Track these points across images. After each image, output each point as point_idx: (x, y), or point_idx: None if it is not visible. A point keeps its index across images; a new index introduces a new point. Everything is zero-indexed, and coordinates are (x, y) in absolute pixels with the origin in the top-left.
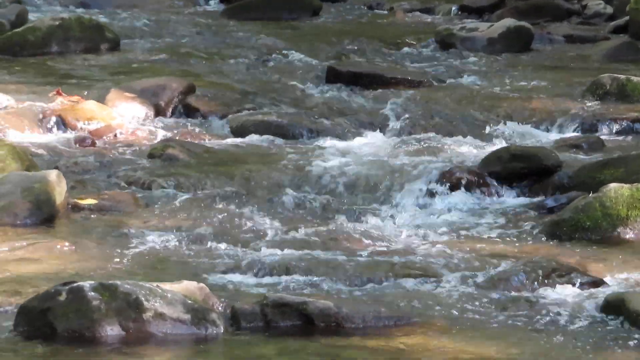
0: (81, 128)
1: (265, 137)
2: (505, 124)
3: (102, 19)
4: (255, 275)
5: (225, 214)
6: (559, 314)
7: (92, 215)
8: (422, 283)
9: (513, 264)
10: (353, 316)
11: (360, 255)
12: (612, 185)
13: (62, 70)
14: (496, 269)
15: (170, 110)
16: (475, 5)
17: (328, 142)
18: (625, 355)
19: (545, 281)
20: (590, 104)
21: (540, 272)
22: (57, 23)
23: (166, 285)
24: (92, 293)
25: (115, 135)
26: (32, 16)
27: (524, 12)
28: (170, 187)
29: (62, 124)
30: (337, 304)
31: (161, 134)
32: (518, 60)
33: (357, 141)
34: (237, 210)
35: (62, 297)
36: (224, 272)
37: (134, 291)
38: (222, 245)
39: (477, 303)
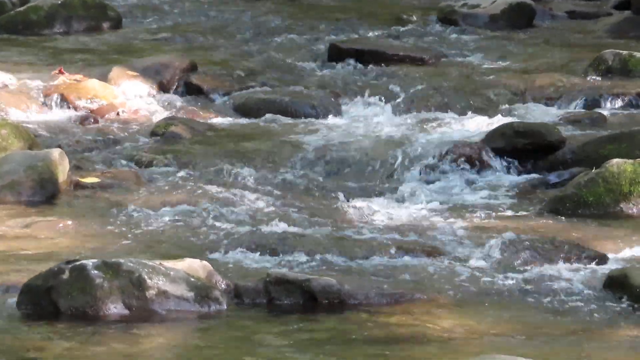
0: (83, 107)
1: (267, 114)
2: (508, 100)
3: None
4: (258, 252)
5: (228, 192)
6: (561, 289)
7: (95, 193)
8: (425, 259)
9: (516, 239)
10: (356, 293)
11: (364, 232)
12: (615, 160)
13: (64, 49)
14: (499, 245)
15: (173, 88)
16: None
17: (331, 120)
18: (628, 330)
19: (548, 257)
20: (592, 80)
21: (543, 247)
22: (59, 2)
23: (169, 263)
24: (95, 271)
25: (117, 114)
26: None
27: None
28: (173, 164)
29: (65, 102)
30: (339, 281)
31: (164, 112)
32: (520, 37)
33: (360, 118)
34: (240, 188)
35: (66, 276)
36: (227, 250)
37: (136, 269)
38: (225, 223)
39: (480, 279)
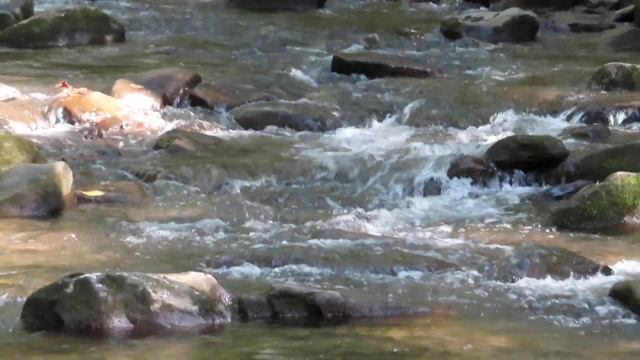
0: (87, 120)
1: (271, 127)
2: (511, 113)
3: (107, 10)
4: (262, 266)
5: (232, 205)
6: (565, 303)
7: (99, 207)
8: (429, 273)
9: (520, 253)
10: (360, 306)
11: (368, 245)
12: (619, 173)
13: (67, 62)
14: (503, 258)
15: (176, 101)
16: None
17: (334, 133)
18: (632, 344)
19: (552, 270)
20: (596, 93)
21: (546, 261)
22: (62, 15)
23: (173, 277)
24: (99, 285)
25: (121, 127)
26: (37, 8)
27: (529, 1)
28: (177, 178)
29: (68, 115)
30: (344, 294)
31: (167, 125)
32: (523, 50)
33: (364, 131)
34: (244, 201)
35: (70, 289)
36: (231, 263)
37: (141, 283)
38: (229, 236)
39: (484, 292)
